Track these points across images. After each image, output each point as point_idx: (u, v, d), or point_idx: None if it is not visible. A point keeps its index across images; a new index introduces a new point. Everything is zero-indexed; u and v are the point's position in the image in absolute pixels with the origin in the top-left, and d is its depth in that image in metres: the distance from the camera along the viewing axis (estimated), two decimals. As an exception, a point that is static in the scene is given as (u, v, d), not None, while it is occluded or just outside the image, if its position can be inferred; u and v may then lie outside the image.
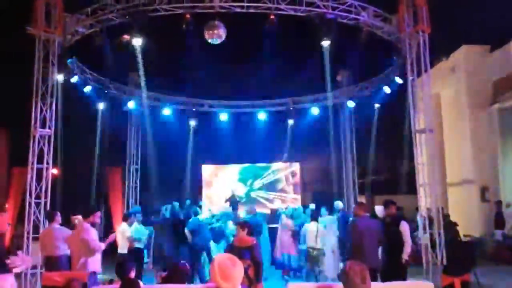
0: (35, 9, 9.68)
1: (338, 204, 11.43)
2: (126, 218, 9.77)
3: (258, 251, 5.83)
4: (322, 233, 9.55)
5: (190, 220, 10.23)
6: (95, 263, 6.31)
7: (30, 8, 9.73)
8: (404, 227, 7.22)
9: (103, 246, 6.44)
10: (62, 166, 13.02)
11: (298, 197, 18.15)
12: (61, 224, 7.45)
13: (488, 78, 14.66)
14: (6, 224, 6.00)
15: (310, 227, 9.76)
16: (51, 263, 7.08)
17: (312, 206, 11.47)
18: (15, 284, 4.84)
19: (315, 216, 9.99)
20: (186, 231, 10.01)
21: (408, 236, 7.15)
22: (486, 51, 15.15)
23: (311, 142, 16.83)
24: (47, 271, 6.79)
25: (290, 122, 16.66)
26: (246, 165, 18.51)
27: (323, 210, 10.50)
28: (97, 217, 6.61)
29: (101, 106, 14.12)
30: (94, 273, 6.22)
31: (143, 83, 12.98)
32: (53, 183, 9.81)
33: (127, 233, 9.27)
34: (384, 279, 6.36)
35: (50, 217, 7.55)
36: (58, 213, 7.48)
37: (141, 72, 12.39)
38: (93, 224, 6.50)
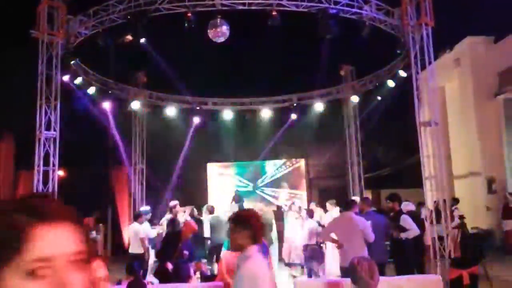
0: (38, 12, 9.70)
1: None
2: (137, 217, 9.61)
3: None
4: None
5: (211, 216, 10.62)
6: None
7: (33, 11, 9.75)
8: (405, 219, 7.15)
9: None
10: (68, 167, 13.03)
11: (304, 193, 18.14)
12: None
13: (493, 69, 14.56)
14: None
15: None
16: None
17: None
18: None
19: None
20: (207, 226, 10.26)
21: (411, 224, 7.06)
22: (491, 42, 15.06)
23: (316, 138, 16.79)
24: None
25: (294, 118, 16.52)
26: (251, 162, 18.51)
27: (328, 205, 10.65)
28: None
29: (105, 106, 14.13)
30: None
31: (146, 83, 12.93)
32: (59, 184, 9.83)
33: (141, 233, 9.10)
34: (398, 273, 6.35)
35: None
36: None
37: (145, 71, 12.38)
38: None
